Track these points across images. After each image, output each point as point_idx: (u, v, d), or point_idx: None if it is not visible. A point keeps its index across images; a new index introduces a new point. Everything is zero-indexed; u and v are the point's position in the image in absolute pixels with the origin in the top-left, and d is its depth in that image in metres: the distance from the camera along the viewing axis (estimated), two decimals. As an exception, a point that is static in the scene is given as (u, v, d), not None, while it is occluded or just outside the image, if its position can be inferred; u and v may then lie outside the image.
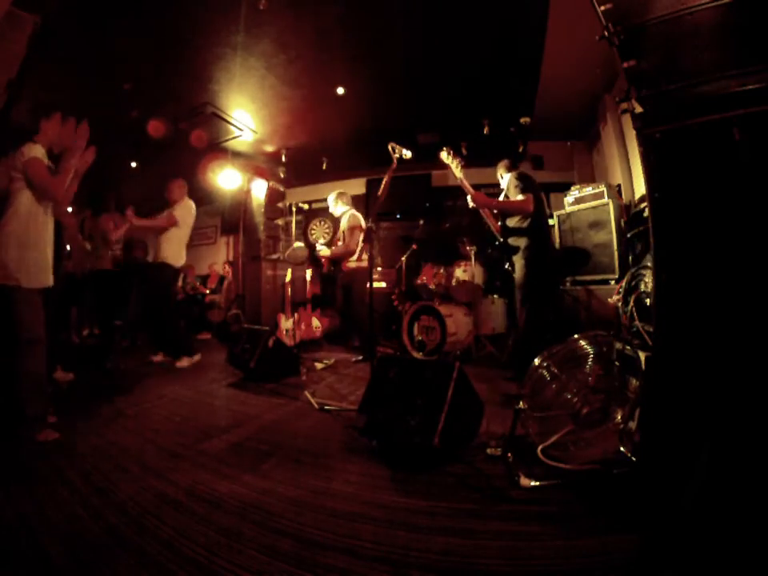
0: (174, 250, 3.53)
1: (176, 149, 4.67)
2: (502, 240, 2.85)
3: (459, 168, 2.82)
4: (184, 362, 3.45)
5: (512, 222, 2.75)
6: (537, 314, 2.62)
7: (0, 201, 1.81)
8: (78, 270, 4.25)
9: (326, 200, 4.07)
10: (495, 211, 2.87)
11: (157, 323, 3.58)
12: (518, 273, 2.68)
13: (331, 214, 4.02)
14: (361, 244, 3.60)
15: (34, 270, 1.79)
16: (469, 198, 2.80)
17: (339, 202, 3.87)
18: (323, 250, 3.80)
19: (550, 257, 2.69)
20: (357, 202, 6.27)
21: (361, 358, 3.61)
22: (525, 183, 2.63)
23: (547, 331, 2.57)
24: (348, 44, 3.28)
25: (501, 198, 2.85)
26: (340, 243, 3.77)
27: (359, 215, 3.79)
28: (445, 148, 2.90)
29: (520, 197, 2.57)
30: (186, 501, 1.24)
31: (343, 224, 3.75)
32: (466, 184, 2.80)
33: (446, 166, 2.93)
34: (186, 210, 3.65)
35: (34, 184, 1.80)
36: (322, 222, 6.84)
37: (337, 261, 3.81)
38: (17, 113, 2.46)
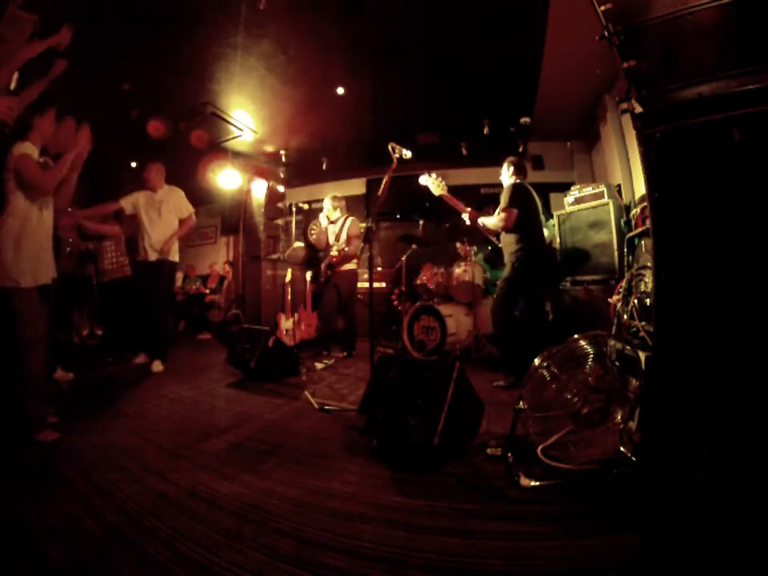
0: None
1: (176, 149, 4.66)
2: (500, 245, 2.96)
3: (441, 186, 2.88)
4: (160, 366, 3.23)
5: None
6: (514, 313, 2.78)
7: None
8: (77, 272, 4.24)
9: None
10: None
11: (153, 323, 3.38)
12: (503, 274, 2.83)
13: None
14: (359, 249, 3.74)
15: (32, 269, 1.78)
16: (464, 216, 2.94)
17: (339, 208, 4.01)
18: (333, 250, 3.82)
19: (538, 264, 2.78)
20: (357, 202, 6.31)
21: (332, 361, 3.64)
22: (513, 198, 2.72)
23: (527, 331, 2.73)
24: (348, 44, 3.27)
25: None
26: (338, 245, 3.83)
27: (357, 222, 3.95)
28: (426, 172, 2.99)
29: (502, 214, 2.71)
30: (186, 501, 1.24)
31: (347, 229, 3.84)
32: (456, 201, 2.90)
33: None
34: (175, 196, 3.47)
35: (24, 179, 1.77)
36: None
37: (337, 263, 3.85)
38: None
